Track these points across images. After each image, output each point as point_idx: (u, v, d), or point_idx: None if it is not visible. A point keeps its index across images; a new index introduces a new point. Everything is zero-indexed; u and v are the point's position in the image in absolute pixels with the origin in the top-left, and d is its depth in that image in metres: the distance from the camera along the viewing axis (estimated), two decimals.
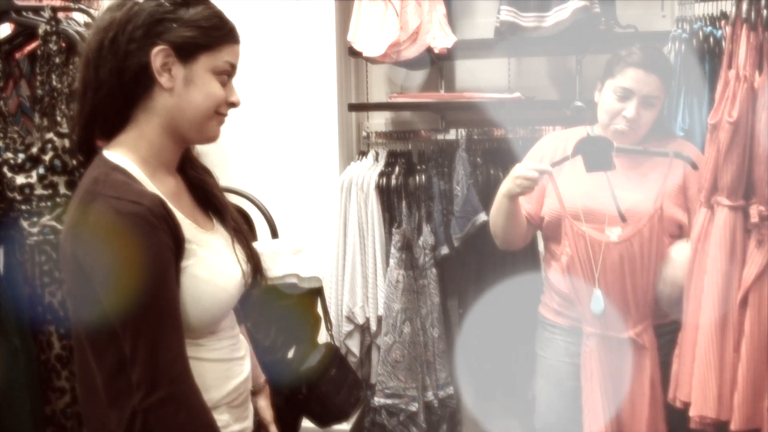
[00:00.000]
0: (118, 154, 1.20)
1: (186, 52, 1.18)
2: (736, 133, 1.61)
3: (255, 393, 1.52)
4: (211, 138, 1.27)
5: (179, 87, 1.19)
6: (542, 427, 2.08)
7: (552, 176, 1.84)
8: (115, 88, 1.17)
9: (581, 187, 1.89)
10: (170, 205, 1.18)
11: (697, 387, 1.69)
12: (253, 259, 1.36)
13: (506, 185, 1.86)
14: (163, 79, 1.17)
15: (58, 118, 1.77)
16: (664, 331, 1.89)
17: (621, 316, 1.81)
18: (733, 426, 1.65)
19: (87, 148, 1.25)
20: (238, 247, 1.33)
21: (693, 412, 1.70)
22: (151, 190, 1.16)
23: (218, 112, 1.24)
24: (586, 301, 1.83)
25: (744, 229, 1.66)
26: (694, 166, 1.83)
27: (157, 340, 1.12)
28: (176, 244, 1.16)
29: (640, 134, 1.88)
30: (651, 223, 1.77)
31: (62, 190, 1.75)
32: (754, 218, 1.62)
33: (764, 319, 1.62)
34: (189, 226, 1.22)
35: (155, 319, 1.12)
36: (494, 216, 1.97)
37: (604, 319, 1.82)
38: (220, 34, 1.21)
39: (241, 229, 1.37)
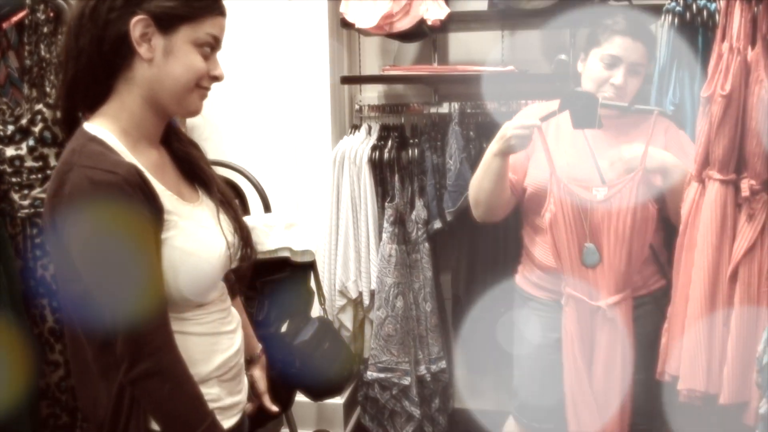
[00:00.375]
0: (98, 125, 1.19)
1: (166, 23, 1.16)
2: (729, 107, 1.61)
3: (250, 362, 1.53)
4: (192, 111, 1.26)
5: (159, 58, 1.17)
6: (525, 397, 2.09)
7: (541, 131, 1.83)
8: (94, 57, 1.16)
9: (565, 158, 1.90)
10: (149, 176, 1.17)
11: (686, 360, 1.71)
12: (241, 231, 1.35)
13: (495, 145, 1.85)
14: (142, 50, 1.16)
15: (48, 89, 1.75)
16: (641, 302, 1.90)
17: (598, 282, 1.82)
18: (722, 399, 1.67)
19: (70, 119, 1.24)
20: (224, 218, 1.32)
21: (682, 386, 1.71)
22: (128, 161, 1.15)
23: (200, 86, 1.22)
24: (567, 260, 1.83)
25: (735, 203, 1.66)
26: (680, 126, 1.82)
27: (136, 311, 1.11)
28: (154, 215, 1.15)
29: (626, 102, 1.88)
30: (632, 183, 1.77)
31: (52, 162, 1.74)
32: (745, 192, 1.62)
33: (754, 293, 1.63)
34: (170, 197, 1.21)
35: (133, 291, 1.11)
36: (480, 181, 1.95)
37: (583, 282, 1.82)
38: (202, 5, 1.19)
39: (228, 201, 1.36)
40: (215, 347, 1.30)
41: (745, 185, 1.62)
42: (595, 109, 1.78)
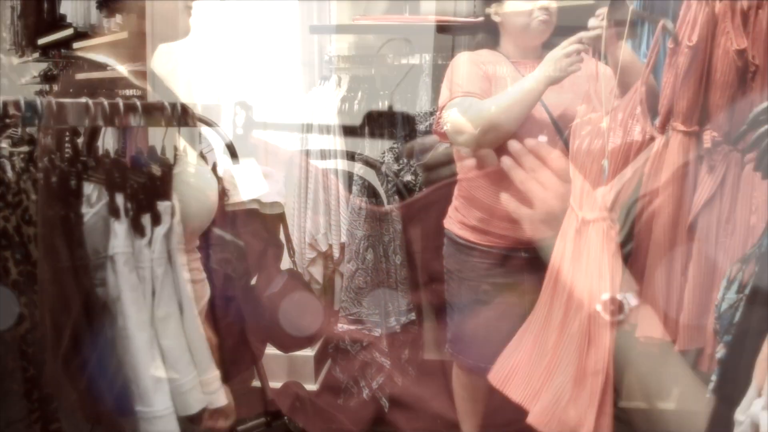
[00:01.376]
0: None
1: None
2: (695, 59, 1.61)
3: None
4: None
5: None
6: (469, 340, 2.11)
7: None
8: None
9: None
10: None
11: (644, 309, 1.74)
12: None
13: (546, 71, 1.78)
14: None
15: (3, 34, 1.70)
16: None
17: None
18: (678, 346, 1.71)
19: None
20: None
21: (639, 333, 1.75)
22: None
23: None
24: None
25: (697, 155, 1.68)
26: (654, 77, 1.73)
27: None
28: None
29: (553, 23, 1.94)
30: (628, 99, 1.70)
31: (11, 110, 1.70)
32: (707, 144, 1.63)
33: (712, 243, 1.66)
34: None
35: None
36: (510, 107, 1.84)
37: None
38: None
39: None
40: (203, 293, 1.33)
41: (707, 137, 1.63)
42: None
